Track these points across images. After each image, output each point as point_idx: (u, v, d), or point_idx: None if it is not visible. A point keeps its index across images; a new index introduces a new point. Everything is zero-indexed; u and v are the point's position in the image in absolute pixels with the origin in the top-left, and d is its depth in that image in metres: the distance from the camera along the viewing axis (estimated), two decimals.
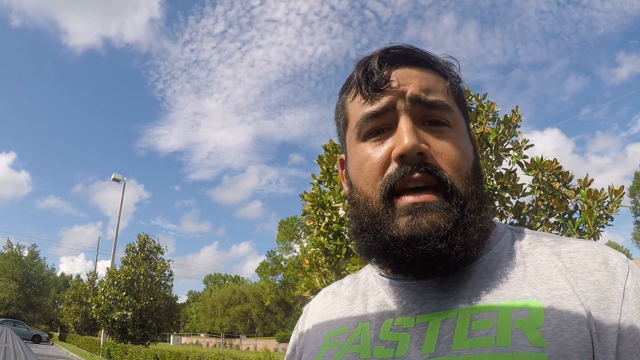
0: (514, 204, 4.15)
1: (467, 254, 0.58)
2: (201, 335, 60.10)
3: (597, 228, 3.78)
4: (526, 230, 0.68)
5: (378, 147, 0.62)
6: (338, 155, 4.64)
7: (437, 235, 0.57)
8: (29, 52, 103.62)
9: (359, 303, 0.69)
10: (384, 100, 0.61)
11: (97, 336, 27.93)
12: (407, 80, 0.61)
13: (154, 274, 20.68)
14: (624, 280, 0.55)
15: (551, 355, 0.50)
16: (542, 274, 0.58)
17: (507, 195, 3.93)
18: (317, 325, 0.73)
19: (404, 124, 0.60)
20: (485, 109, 4.25)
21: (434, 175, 0.58)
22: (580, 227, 3.81)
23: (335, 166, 4.61)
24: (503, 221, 4.20)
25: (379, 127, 0.62)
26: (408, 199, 0.58)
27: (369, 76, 0.62)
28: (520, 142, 4.23)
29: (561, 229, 4.00)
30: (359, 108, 0.64)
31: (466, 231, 0.58)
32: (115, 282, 19.57)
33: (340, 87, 0.72)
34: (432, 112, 0.61)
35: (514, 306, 0.55)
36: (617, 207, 3.80)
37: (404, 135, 0.58)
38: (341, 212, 4.35)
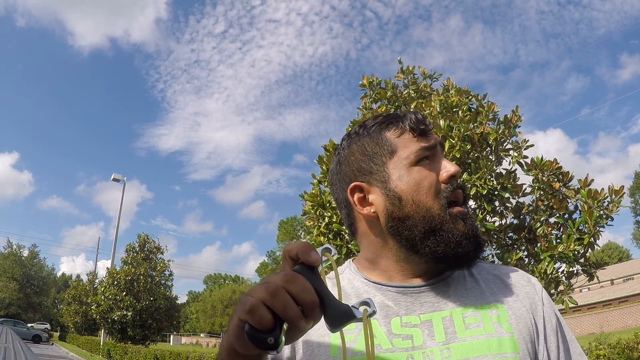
0: (514, 204, 4.15)
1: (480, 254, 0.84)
2: (201, 335, 60.09)
3: (597, 228, 3.78)
4: None
5: (430, 170, 0.83)
6: None
7: (478, 238, 0.83)
8: (32, 52, 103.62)
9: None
10: (432, 141, 0.85)
11: (97, 336, 27.93)
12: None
13: (154, 274, 20.67)
14: (540, 292, 0.86)
15: (517, 338, 0.77)
16: (496, 287, 0.85)
17: (507, 195, 3.93)
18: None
19: (444, 158, 0.86)
20: (485, 109, 4.25)
21: (464, 191, 0.85)
22: (580, 227, 3.81)
23: None
24: (503, 221, 4.20)
25: (429, 156, 0.84)
26: (458, 209, 0.82)
27: (420, 123, 0.85)
28: (520, 142, 4.23)
29: (561, 229, 3.99)
30: (409, 143, 0.84)
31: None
32: (115, 282, 19.57)
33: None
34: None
35: (487, 307, 0.81)
36: (617, 207, 3.80)
37: (449, 164, 0.84)
38: None
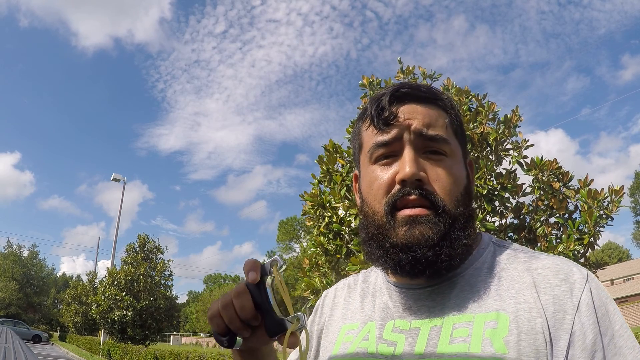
0: (514, 204, 4.15)
1: (451, 263, 0.71)
2: (201, 335, 60.07)
3: (597, 228, 3.77)
4: (507, 244, 0.79)
5: (386, 170, 0.74)
6: (338, 155, 4.65)
7: (426, 244, 0.69)
8: (34, 52, 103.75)
9: (368, 302, 0.83)
10: (393, 133, 0.74)
11: (97, 336, 27.93)
12: (413, 115, 0.74)
13: (154, 274, 20.67)
14: (579, 295, 0.66)
15: None
16: (512, 288, 0.70)
17: (507, 195, 3.93)
18: (336, 316, 0.87)
19: (407, 153, 0.72)
20: (486, 109, 4.25)
21: (427, 197, 0.71)
22: (580, 227, 3.81)
23: (335, 166, 4.61)
24: (503, 221, 4.20)
25: (388, 153, 0.75)
26: (406, 212, 0.71)
27: (381, 111, 0.74)
28: (520, 142, 4.22)
29: (561, 229, 3.99)
30: (372, 137, 0.77)
31: (452, 244, 0.71)
32: (115, 282, 19.56)
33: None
34: (432, 144, 0.74)
35: (486, 317, 0.68)
36: (617, 207, 3.80)
37: (406, 164, 0.71)
38: (341, 212, 4.35)
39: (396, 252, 0.71)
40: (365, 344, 0.75)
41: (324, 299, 0.93)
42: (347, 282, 0.91)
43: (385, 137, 0.74)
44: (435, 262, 0.69)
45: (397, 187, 0.72)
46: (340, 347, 0.79)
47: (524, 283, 0.69)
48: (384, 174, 0.74)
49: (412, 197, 0.70)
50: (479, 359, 0.64)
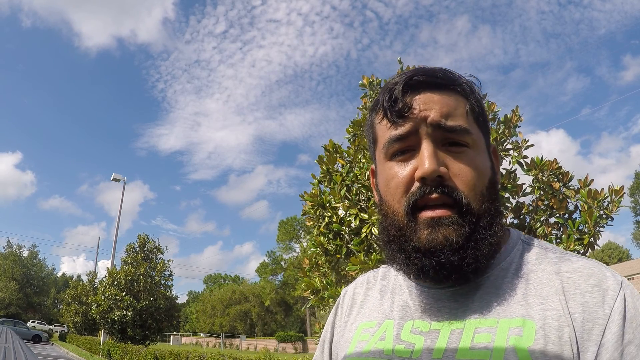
0: (514, 204, 4.15)
1: (477, 265, 0.66)
2: (201, 335, 60.06)
3: (597, 228, 3.77)
4: (535, 242, 0.73)
5: (403, 166, 0.69)
6: (338, 155, 4.65)
7: (450, 248, 0.65)
8: (35, 52, 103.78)
9: (387, 300, 0.78)
10: (408, 126, 0.68)
11: (97, 336, 27.91)
12: (429, 105, 0.68)
13: (154, 274, 20.66)
14: (612, 303, 0.60)
15: None
16: (540, 293, 0.64)
17: (507, 195, 3.93)
18: (354, 313, 0.83)
19: (426, 148, 0.66)
20: (485, 109, 4.24)
21: (449, 195, 0.65)
22: (580, 227, 3.81)
23: (335, 166, 4.61)
24: (502, 221, 4.20)
25: (404, 148, 0.69)
26: (427, 214, 0.66)
27: (394, 103, 0.68)
28: (520, 142, 4.23)
29: (561, 229, 3.99)
30: (385, 130, 0.71)
31: (477, 245, 0.66)
32: (115, 282, 19.55)
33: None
34: (452, 135, 0.68)
35: (511, 323, 0.62)
36: (617, 207, 3.80)
37: (425, 159, 0.65)
38: (341, 212, 4.34)
39: (419, 257, 0.66)
40: (382, 344, 0.71)
41: (343, 298, 0.88)
42: (367, 278, 0.87)
43: (400, 131, 0.68)
44: (461, 267, 0.65)
45: (416, 185, 0.67)
46: (356, 346, 0.75)
47: (553, 287, 0.64)
48: (401, 170, 0.68)
49: (434, 195, 0.65)
50: None
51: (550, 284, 0.64)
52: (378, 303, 0.79)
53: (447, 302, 0.69)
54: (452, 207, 0.66)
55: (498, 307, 0.65)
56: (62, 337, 35.45)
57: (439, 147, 0.67)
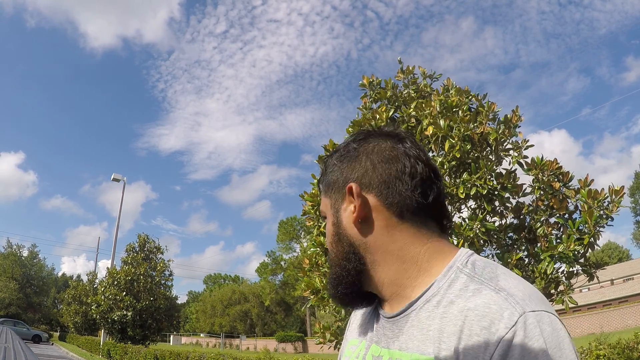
0: (514, 204, 4.14)
1: (351, 298, 0.79)
2: (201, 335, 60.06)
3: (597, 228, 3.77)
4: (468, 269, 0.69)
5: None
6: None
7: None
8: (39, 52, 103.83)
9: (366, 319, 0.85)
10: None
11: (97, 336, 27.91)
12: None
13: (154, 274, 20.66)
14: (493, 350, 0.57)
15: None
16: (447, 330, 0.63)
17: (507, 195, 3.93)
18: (351, 329, 0.91)
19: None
20: (486, 109, 4.24)
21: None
22: (580, 227, 3.80)
23: None
24: (503, 221, 4.19)
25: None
26: None
27: None
28: (520, 142, 4.22)
29: (561, 229, 3.99)
30: None
31: (339, 284, 0.79)
32: (115, 282, 19.55)
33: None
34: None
35: (421, 358, 0.65)
36: (618, 207, 3.79)
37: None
38: None
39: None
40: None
41: (354, 311, 0.95)
42: None
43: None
44: (338, 299, 0.80)
45: None
46: (353, 347, 0.84)
47: (455, 326, 0.62)
48: None
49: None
50: None
51: (454, 322, 0.62)
52: (361, 321, 0.86)
53: (386, 330, 0.75)
54: None
55: (415, 342, 0.67)
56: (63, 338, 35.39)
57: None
